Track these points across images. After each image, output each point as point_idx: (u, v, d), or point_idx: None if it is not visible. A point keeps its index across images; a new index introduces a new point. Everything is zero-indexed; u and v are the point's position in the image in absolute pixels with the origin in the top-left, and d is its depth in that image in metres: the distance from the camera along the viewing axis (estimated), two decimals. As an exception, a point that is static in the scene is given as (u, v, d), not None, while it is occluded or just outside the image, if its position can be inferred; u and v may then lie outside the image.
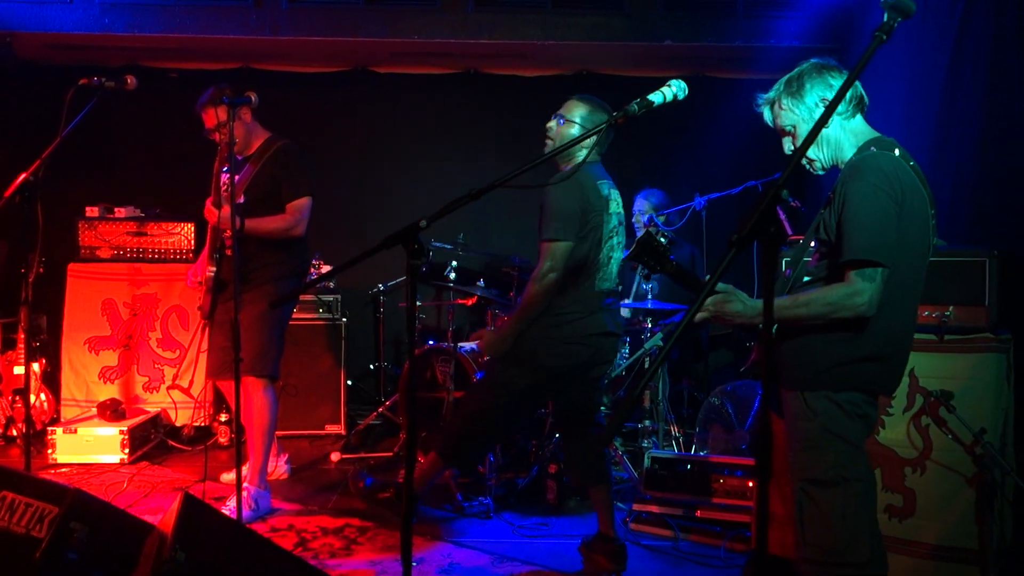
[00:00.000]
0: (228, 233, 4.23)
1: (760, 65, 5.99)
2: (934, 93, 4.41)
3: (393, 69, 6.74)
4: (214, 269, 4.29)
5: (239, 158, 4.41)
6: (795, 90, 2.57)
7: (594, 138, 3.39)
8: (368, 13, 5.89)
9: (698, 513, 4.07)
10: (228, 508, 4.02)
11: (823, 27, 5.75)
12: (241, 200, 4.28)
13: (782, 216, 4.85)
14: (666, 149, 6.71)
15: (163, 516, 2.76)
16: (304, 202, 4.37)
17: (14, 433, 5.48)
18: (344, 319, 6.06)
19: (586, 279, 3.46)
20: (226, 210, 4.08)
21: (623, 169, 6.56)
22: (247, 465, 4.37)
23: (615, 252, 3.57)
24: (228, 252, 4.28)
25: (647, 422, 5.10)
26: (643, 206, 5.56)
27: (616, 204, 3.59)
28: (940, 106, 4.36)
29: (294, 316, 5.81)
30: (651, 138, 6.56)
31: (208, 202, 4.33)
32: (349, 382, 6.08)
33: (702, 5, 5.88)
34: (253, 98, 4.00)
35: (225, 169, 4.21)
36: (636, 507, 4.22)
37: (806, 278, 2.52)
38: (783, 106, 2.59)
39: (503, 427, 3.70)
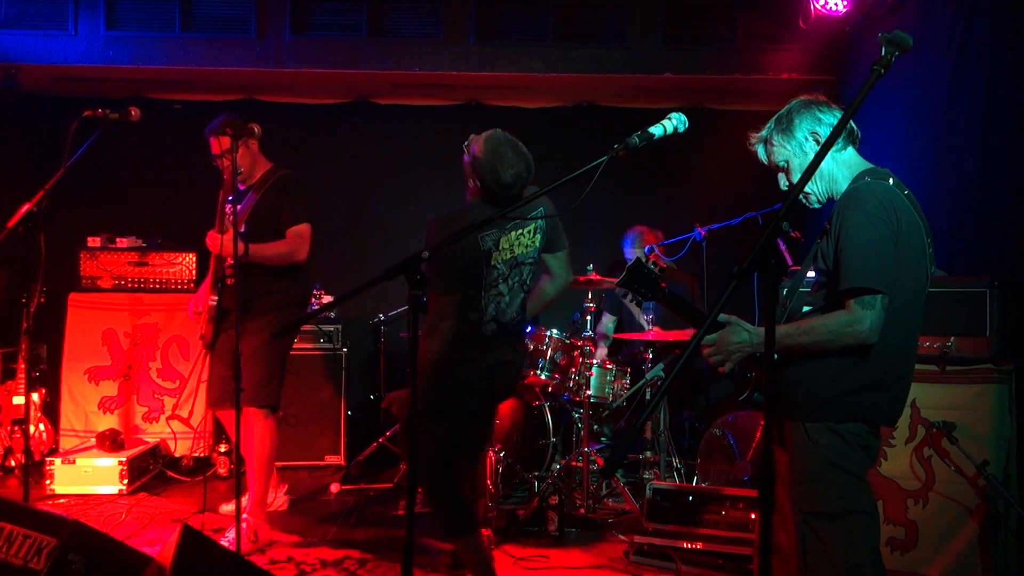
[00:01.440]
0: (230, 262, 4.23)
1: (758, 97, 6.05)
2: (932, 124, 4.45)
3: (395, 101, 6.80)
4: (216, 298, 4.29)
5: (242, 188, 4.44)
6: (785, 127, 2.61)
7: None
8: (370, 45, 5.96)
9: (700, 545, 4.04)
10: (227, 540, 3.99)
11: (820, 60, 5.82)
12: (243, 229, 4.28)
13: (782, 247, 4.87)
14: (665, 180, 6.75)
15: (162, 548, 2.74)
16: (303, 228, 4.37)
17: (13, 463, 5.45)
18: (345, 349, 6.06)
19: (472, 328, 3.34)
20: (229, 236, 4.09)
21: (622, 200, 6.67)
22: (246, 496, 4.35)
23: (504, 299, 3.39)
24: (230, 281, 4.28)
25: (648, 453, 5.08)
26: (632, 254, 5.58)
27: (508, 251, 3.37)
28: (938, 137, 4.39)
29: (295, 346, 5.81)
30: (651, 170, 6.61)
31: (211, 232, 4.33)
32: (349, 412, 6.06)
33: (701, 38, 5.95)
34: (256, 130, 4.02)
35: (230, 199, 4.24)
36: (637, 539, 4.18)
37: (805, 308, 2.53)
38: (774, 143, 2.64)
39: (455, 473, 3.48)
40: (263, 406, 4.34)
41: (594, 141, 3.55)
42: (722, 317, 2.50)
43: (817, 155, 1.85)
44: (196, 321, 4.51)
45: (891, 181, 2.46)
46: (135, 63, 5.88)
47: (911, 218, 2.43)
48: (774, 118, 2.66)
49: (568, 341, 5.12)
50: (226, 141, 4.11)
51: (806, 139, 2.58)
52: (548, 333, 5.08)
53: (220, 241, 4.23)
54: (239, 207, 4.31)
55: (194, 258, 5.96)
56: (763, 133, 2.68)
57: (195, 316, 4.52)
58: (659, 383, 5.02)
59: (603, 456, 5.00)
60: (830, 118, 2.56)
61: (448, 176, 6.76)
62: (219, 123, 4.31)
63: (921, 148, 4.54)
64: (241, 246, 4.07)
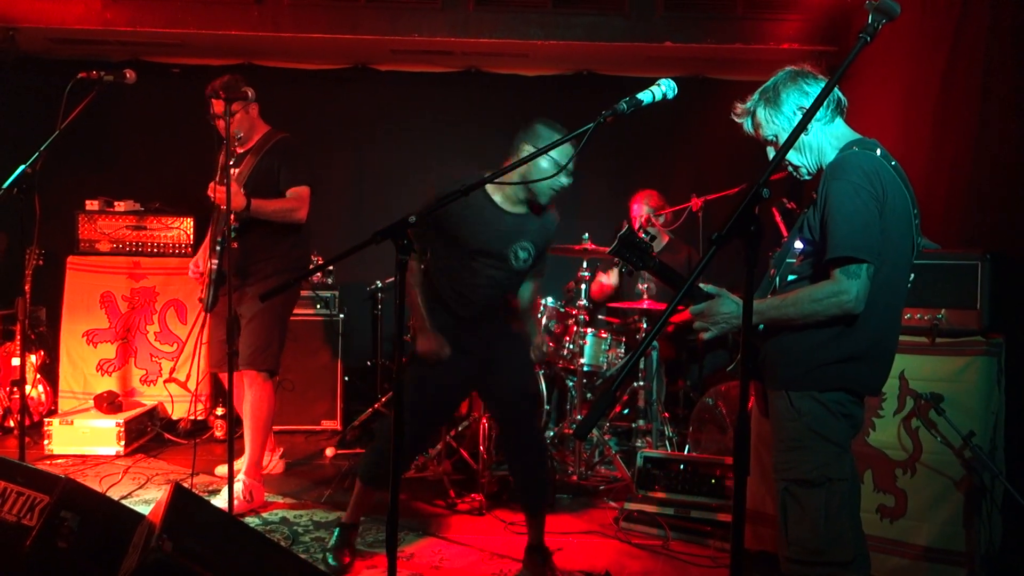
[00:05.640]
0: (232, 221, 4.21)
1: (759, 67, 5.99)
2: (930, 97, 4.42)
3: (394, 67, 6.77)
4: (216, 261, 4.27)
5: (240, 150, 4.42)
6: (771, 100, 2.58)
7: None
8: (369, 10, 5.92)
9: (689, 513, 4.08)
10: (220, 500, 4.03)
11: (821, 29, 5.77)
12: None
13: (778, 219, 4.86)
14: (665, 150, 6.73)
15: (154, 507, 2.78)
16: (303, 190, 4.37)
17: (11, 424, 5.51)
18: (342, 315, 6.09)
19: None
20: (233, 187, 4.02)
21: (620, 169, 6.65)
22: (241, 458, 4.38)
23: None
24: (234, 245, 4.27)
25: (641, 422, 5.11)
26: (640, 210, 5.58)
27: None
28: (936, 107, 4.36)
29: (293, 311, 5.84)
30: (650, 139, 6.58)
31: (212, 183, 4.25)
32: (346, 378, 6.10)
33: (702, 7, 5.90)
34: (250, 94, 3.99)
35: (231, 163, 4.19)
36: (627, 506, 4.23)
37: (791, 277, 2.53)
38: (761, 117, 2.61)
39: (411, 426, 3.38)
40: (262, 369, 4.36)
41: (593, 110, 3.50)
42: (711, 288, 2.51)
43: (798, 125, 1.85)
44: (198, 281, 4.51)
45: (878, 152, 2.45)
46: (133, 26, 5.85)
47: (897, 189, 2.42)
48: (759, 91, 2.62)
49: (563, 310, 5.14)
50: (234, 102, 4.11)
51: (794, 114, 2.54)
52: (543, 302, 5.09)
53: (225, 192, 4.15)
54: (236, 171, 4.30)
55: (191, 222, 5.97)
56: (748, 105, 2.65)
57: (196, 276, 4.51)
58: (651, 352, 5.05)
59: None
60: (818, 90, 2.52)
61: (447, 143, 6.79)
62: (225, 83, 4.27)
63: (919, 121, 4.51)
64: (244, 199, 4.06)
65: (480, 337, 3.57)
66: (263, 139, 4.46)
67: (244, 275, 4.32)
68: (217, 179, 4.23)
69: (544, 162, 3.27)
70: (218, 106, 4.28)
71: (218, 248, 4.27)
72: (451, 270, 3.50)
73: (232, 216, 4.18)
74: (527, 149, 3.31)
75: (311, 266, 5.71)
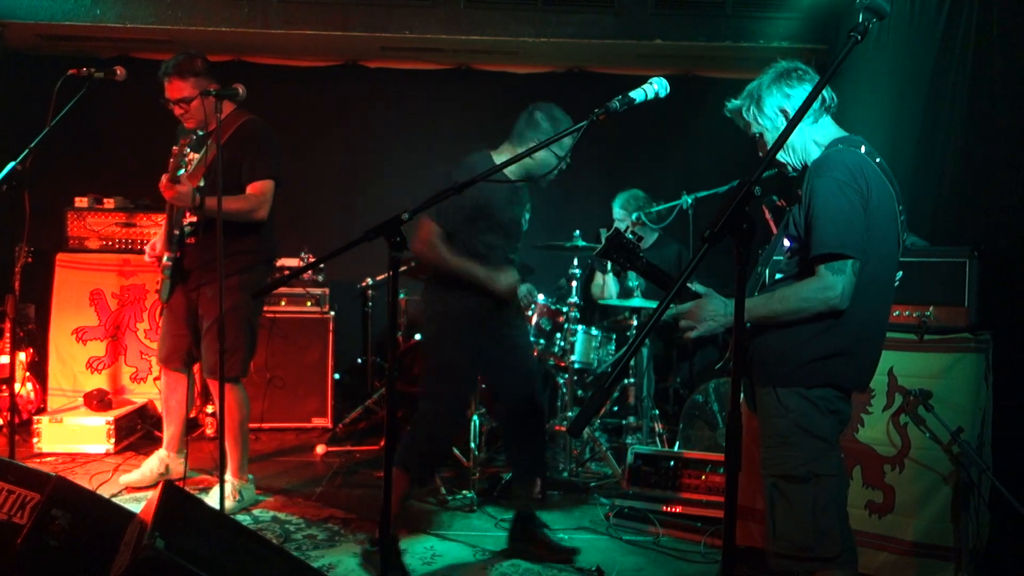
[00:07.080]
0: (188, 218, 4.14)
1: (750, 64, 6.02)
2: (920, 96, 4.45)
3: (384, 64, 6.76)
4: (177, 255, 4.16)
5: (200, 133, 4.24)
6: (755, 102, 2.63)
7: None
8: (359, 7, 5.91)
9: (679, 509, 4.10)
10: (211, 498, 4.02)
11: (811, 27, 5.81)
12: (201, 183, 4.06)
13: (768, 217, 4.88)
14: (655, 147, 6.75)
15: (145, 505, 2.78)
16: (264, 185, 4.12)
17: (1, 422, 5.48)
18: (332, 313, 6.08)
19: None
20: (183, 185, 3.90)
21: (611, 166, 6.66)
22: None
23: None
24: (191, 240, 4.18)
25: (631, 418, 5.13)
26: (620, 214, 5.57)
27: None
28: (926, 106, 4.39)
29: (283, 309, 5.85)
30: (640, 136, 6.60)
31: (164, 178, 3.91)
32: (336, 375, 6.10)
33: (692, 4, 5.92)
34: (241, 91, 3.85)
35: (189, 148, 4.06)
36: (618, 502, 4.24)
37: (778, 275, 2.55)
38: (748, 117, 2.66)
39: (438, 415, 3.69)
40: (226, 379, 4.07)
41: (584, 107, 3.51)
42: (700, 288, 2.53)
43: (783, 133, 1.87)
44: (154, 266, 4.35)
45: (863, 149, 2.48)
46: (122, 22, 5.83)
47: (882, 185, 2.44)
48: (747, 90, 2.67)
49: (554, 307, 5.15)
50: (185, 88, 4.08)
51: (776, 115, 2.60)
52: (534, 299, 5.09)
53: (176, 191, 3.89)
54: (196, 156, 4.18)
55: (182, 220, 5.95)
56: (737, 103, 2.70)
57: (153, 260, 4.35)
58: (647, 353, 5.06)
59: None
60: (800, 92, 2.58)
61: (437, 140, 6.78)
62: (178, 65, 4.12)
63: (908, 119, 4.54)
64: (194, 199, 3.92)
65: (501, 318, 3.71)
66: (226, 122, 4.12)
67: (205, 270, 4.12)
68: (170, 174, 3.93)
69: (544, 152, 3.50)
70: (172, 90, 4.16)
71: (175, 243, 4.17)
72: (472, 247, 3.60)
73: (187, 212, 4.10)
74: (531, 137, 3.56)
75: (300, 264, 5.71)
